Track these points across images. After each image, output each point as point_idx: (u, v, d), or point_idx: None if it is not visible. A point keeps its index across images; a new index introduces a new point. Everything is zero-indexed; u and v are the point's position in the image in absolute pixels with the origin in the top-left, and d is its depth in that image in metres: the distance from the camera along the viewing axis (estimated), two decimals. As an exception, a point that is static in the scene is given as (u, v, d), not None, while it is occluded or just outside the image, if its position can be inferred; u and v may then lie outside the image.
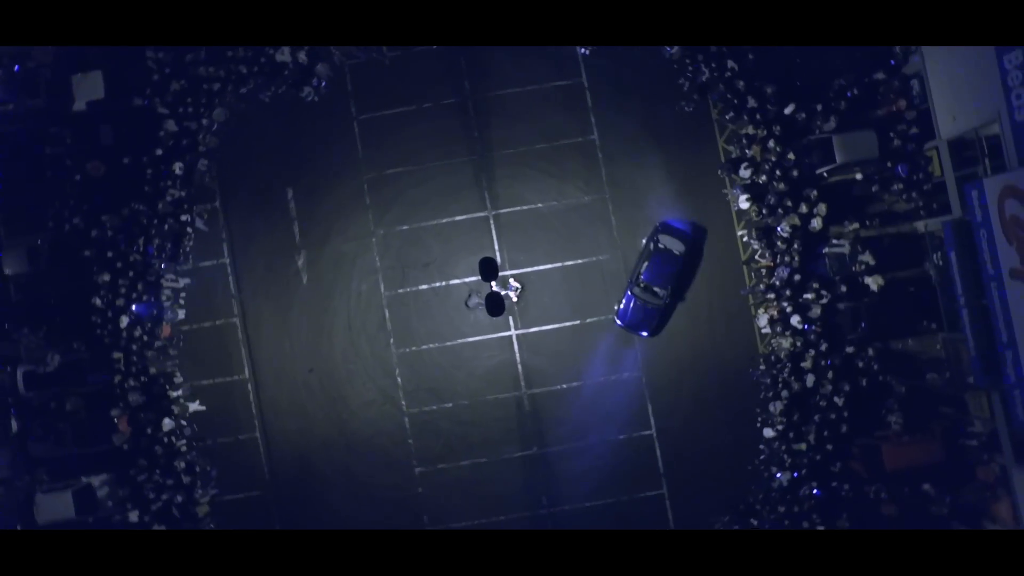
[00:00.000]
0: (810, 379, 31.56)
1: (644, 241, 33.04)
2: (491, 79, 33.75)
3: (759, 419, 32.20)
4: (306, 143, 33.86)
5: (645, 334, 32.93)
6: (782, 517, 31.29)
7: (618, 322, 32.95)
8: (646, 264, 32.50)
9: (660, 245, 32.47)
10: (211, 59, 32.74)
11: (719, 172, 33.20)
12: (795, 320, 31.84)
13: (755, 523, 31.62)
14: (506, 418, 33.25)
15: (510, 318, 33.35)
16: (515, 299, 33.22)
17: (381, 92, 33.82)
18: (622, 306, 32.83)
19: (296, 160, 33.84)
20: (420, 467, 33.28)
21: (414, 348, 33.51)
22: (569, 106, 33.62)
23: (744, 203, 32.77)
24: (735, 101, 32.31)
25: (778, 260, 32.24)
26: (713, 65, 31.83)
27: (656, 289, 32.39)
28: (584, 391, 33.17)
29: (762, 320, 32.58)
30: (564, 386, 33.18)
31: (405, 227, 33.67)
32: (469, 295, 33.10)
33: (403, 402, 33.42)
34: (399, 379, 33.49)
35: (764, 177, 32.24)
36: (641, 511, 32.73)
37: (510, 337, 33.43)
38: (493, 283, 32.54)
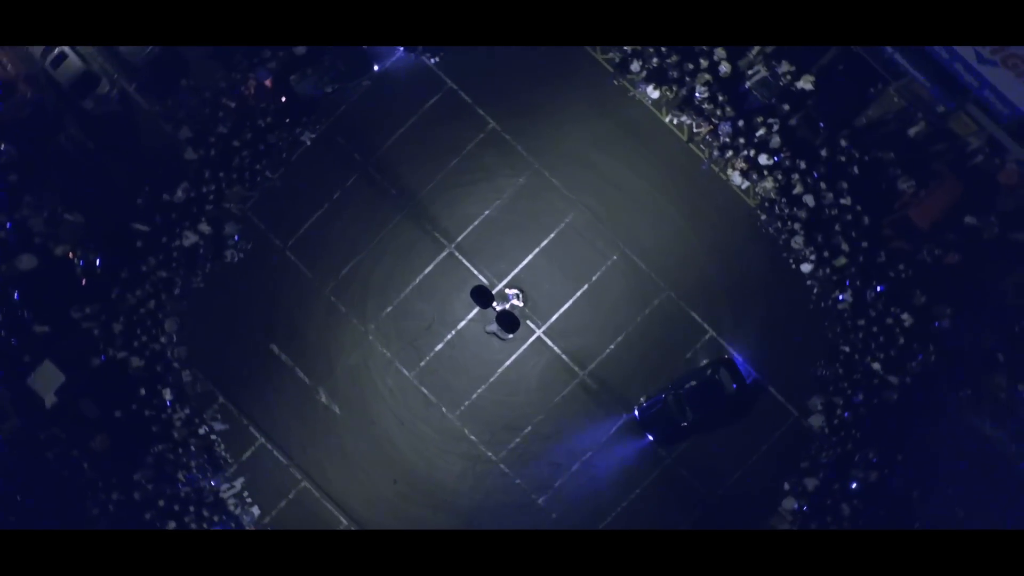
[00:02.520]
0: (809, 199, 31.59)
1: (705, 362, 32.60)
2: (372, 137, 33.51)
3: (791, 261, 32.17)
4: (259, 297, 33.52)
5: (652, 438, 32.64)
6: (867, 328, 31.32)
7: (636, 415, 32.72)
8: (693, 383, 31.90)
9: (716, 376, 31.86)
10: (132, 282, 32.46)
11: (615, 83, 33.07)
12: (763, 159, 31.85)
13: (847, 350, 31.61)
14: (584, 407, 33.08)
15: (528, 322, 33.18)
16: (521, 304, 33.05)
17: (290, 212, 33.54)
18: (646, 404, 32.53)
19: (261, 317, 33.52)
20: (541, 496, 33.09)
21: (467, 402, 33.30)
22: (454, 113, 33.42)
23: (653, 92, 32.70)
24: (587, 14, 32.22)
25: (714, 120, 32.19)
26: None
27: (687, 409, 31.79)
28: (631, 339, 33.03)
29: (736, 178, 32.51)
30: (612, 347, 33.04)
31: (389, 309, 33.44)
32: (493, 331, 32.95)
33: (489, 453, 33.22)
34: (472, 436, 33.28)
35: (654, 60, 32.18)
36: (750, 406, 32.60)
37: (539, 338, 33.24)
38: (494, 303, 32.61)
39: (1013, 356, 30.77)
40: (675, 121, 32.95)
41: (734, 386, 31.69)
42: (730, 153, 32.23)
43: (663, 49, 31.70)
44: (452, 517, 33.05)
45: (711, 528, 32.00)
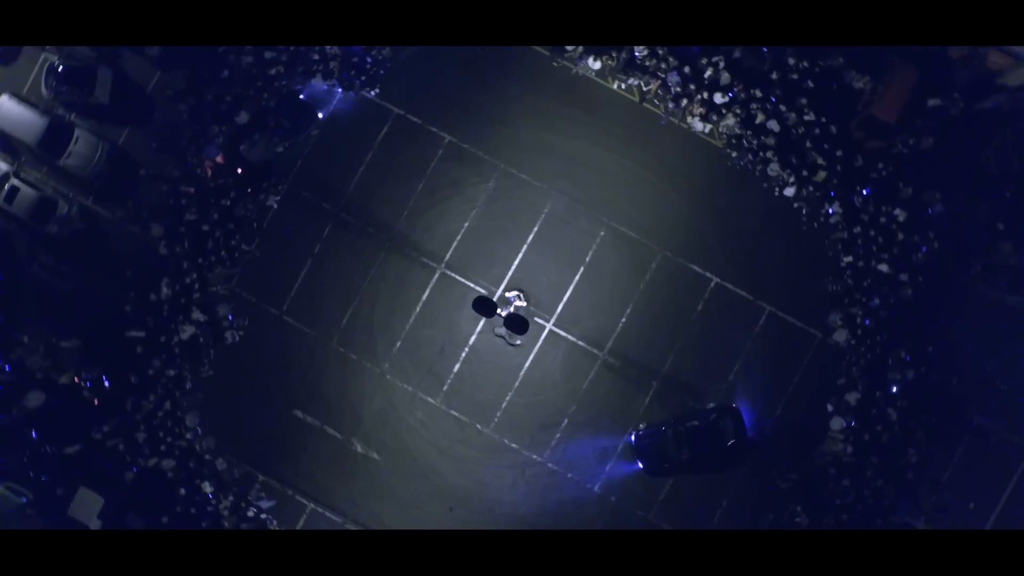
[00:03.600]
0: (774, 125, 31.58)
1: (712, 406, 32.39)
2: (336, 183, 33.46)
3: (773, 189, 32.19)
4: (270, 368, 33.48)
5: (641, 466, 32.50)
6: (865, 233, 31.34)
7: (631, 439, 32.62)
8: (695, 423, 31.68)
9: (719, 423, 31.57)
10: (142, 388, 32.38)
11: (555, 65, 33.05)
12: (718, 98, 31.83)
13: (851, 259, 31.61)
14: (613, 386, 33.03)
15: (536, 319, 33.15)
16: (524, 304, 33.03)
17: (277, 277, 33.51)
18: (644, 431, 32.40)
19: (277, 387, 33.45)
20: (595, 484, 32.95)
21: (498, 413, 33.27)
22: (408, 138, 33.38)
23: (595, 64, 32.69)
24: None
25: (660, 74, 32.16)
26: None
27: (684, 447, 31.56)
28: (639, 308, 33.00)
29: (697, 124, 32.49)
30: (623, 320, 33.02)
31: (398, 344, 33.38)
32: (502, 335, 33.00)
33: (534, 456, 33.16)
34: (513, 444, 33.23)
35: (587, 32, 32.16)
36: (769, 338, 32.58)
37: (551, 331, 33.20)
38: (498, 310, 32.63)
39: (1011, 222, 30.81)
40: (623, 86, 32.92)
41: (735, 439, 31.53)
42: (685, 101, 32.20)
43: (592, 20, 31.68)
44: (516, 527, 33.02)
45: (769, 467, 32.19)
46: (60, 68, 32.71)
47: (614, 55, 32.27)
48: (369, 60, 32.95)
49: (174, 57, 33.48)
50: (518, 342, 32.85)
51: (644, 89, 32.71)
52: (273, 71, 32.62)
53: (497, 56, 33.08)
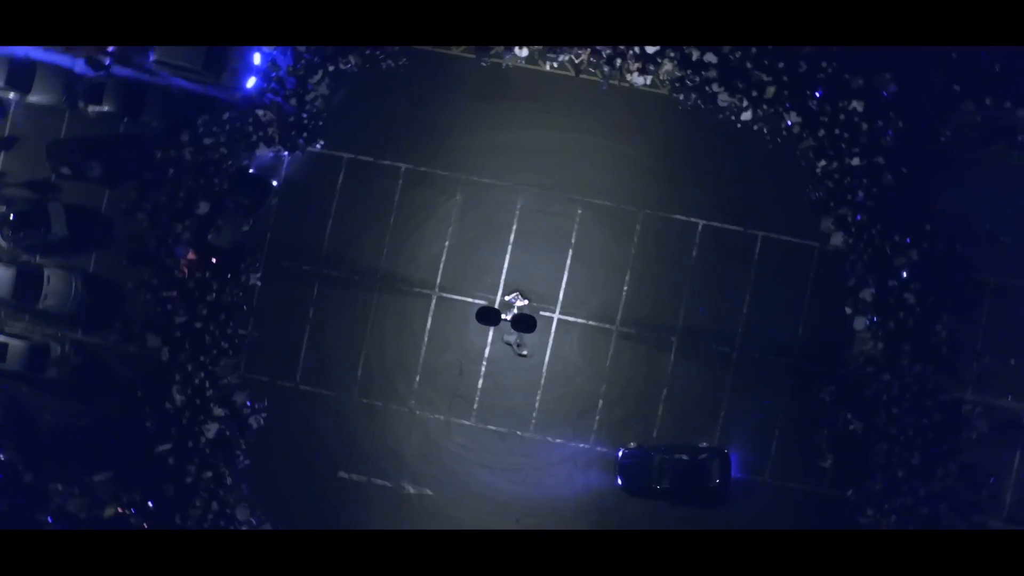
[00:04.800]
0: (710, 57, 31.72)
1: (703, 445, 32.32)
2: (309, 243, 33.48)
3: (732, 116, 32.29)
4: (302, 441, 33.44)
5: (620, 483, 32.40)
6: (829, 134, 31.52)
7: (619, 455, 32.53)
8: (684, 457, 31.72)
9: (707, 463, 31.60)
10: (185, 497, 32.28)
11: (483, 65, 33.10)
12: (650, 48, 31.92)
13: (824, 163, 31.68)
14: (635, 354, 33.06)
15: (542, 313, 33.17)
16: (526, 302, 33.05)
17: (281, 351, 33.54)
18: (632, 450, 32.42)
19: (313, 455, 33.39)
20: (648, 453, 33.19)
21: (534, 414, 33.27)
22: (365, 179, 33.46)
23: (522, 52, 32.92)
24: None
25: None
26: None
27: (666, 477, 31.60)
28: (637, 272, 33.03)
29: (637, 80, 32.57)
30: (626, 288, 33.06)
31: (417, 378, 33.39)
32: (510, 341, 33.04)
33: (581, 445, 33.06)
34: (558, 439, 33.17)
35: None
36: (770, 262, 32.68)
37: (559, 320, 33.21)
38: (503, 315, 32.69)
39: (966, 80, 30.92)
40: (555, 64, 32.99)
41: (718, 480, 31.72)
42: (619, 61, 32.27)
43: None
44: (587, 521, 32.96)
45: (810, 378, 32.32)
46: (11, 216, 32.67)
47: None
48: (305, 115, 32.95)
49: (117, 173, 33.46)
50: (525, 352, 32.87)
51: (576, 61, 32.75)
52: (216, 155, 32.60)
53: (427, 73, 33.10)
